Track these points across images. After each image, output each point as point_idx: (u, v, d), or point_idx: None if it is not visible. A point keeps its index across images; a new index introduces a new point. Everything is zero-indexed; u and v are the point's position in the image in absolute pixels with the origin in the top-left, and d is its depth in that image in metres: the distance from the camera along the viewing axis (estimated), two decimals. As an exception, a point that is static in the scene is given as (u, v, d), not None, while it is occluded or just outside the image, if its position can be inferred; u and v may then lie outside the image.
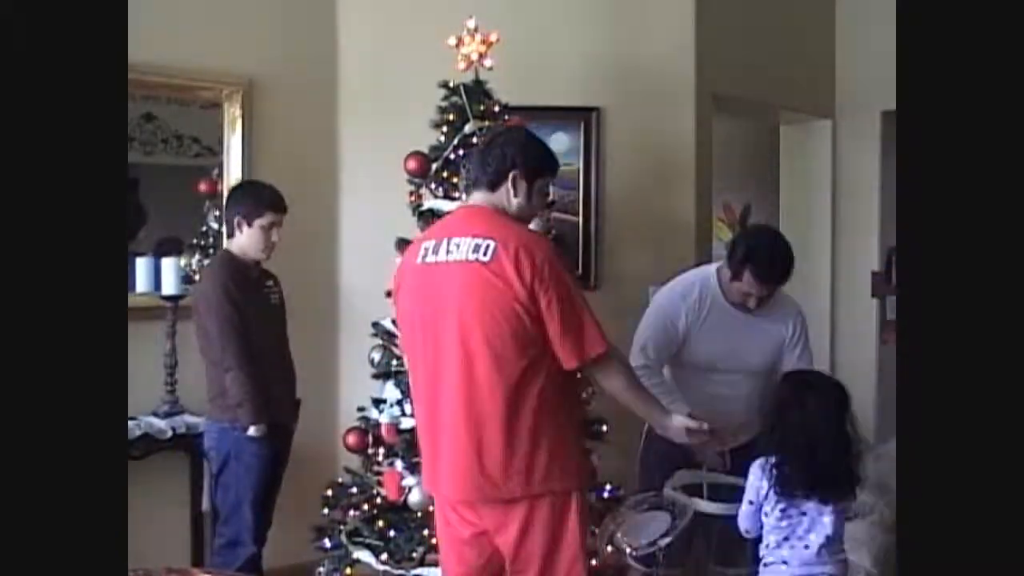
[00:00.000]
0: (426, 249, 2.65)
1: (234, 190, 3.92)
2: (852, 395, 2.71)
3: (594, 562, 3.54)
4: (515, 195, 2.66)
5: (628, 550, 3.00)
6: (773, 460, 2.64)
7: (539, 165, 2.72)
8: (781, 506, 2.64)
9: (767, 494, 2.64)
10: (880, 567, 3.84)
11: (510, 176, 2.65)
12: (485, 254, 2.52)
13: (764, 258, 3.20)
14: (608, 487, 3.72)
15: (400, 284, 2.78)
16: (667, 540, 3.00)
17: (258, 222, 3.60)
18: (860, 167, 5.69)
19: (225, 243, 4.04)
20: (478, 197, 2.70)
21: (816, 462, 2.58)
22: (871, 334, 5.67)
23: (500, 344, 2.51)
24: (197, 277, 4.12)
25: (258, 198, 3.63)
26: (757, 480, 2.67)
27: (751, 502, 2.70)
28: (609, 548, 3.15)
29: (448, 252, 2.58)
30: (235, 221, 3.63)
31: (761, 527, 2.69)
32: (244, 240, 3.63)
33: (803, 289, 5.99)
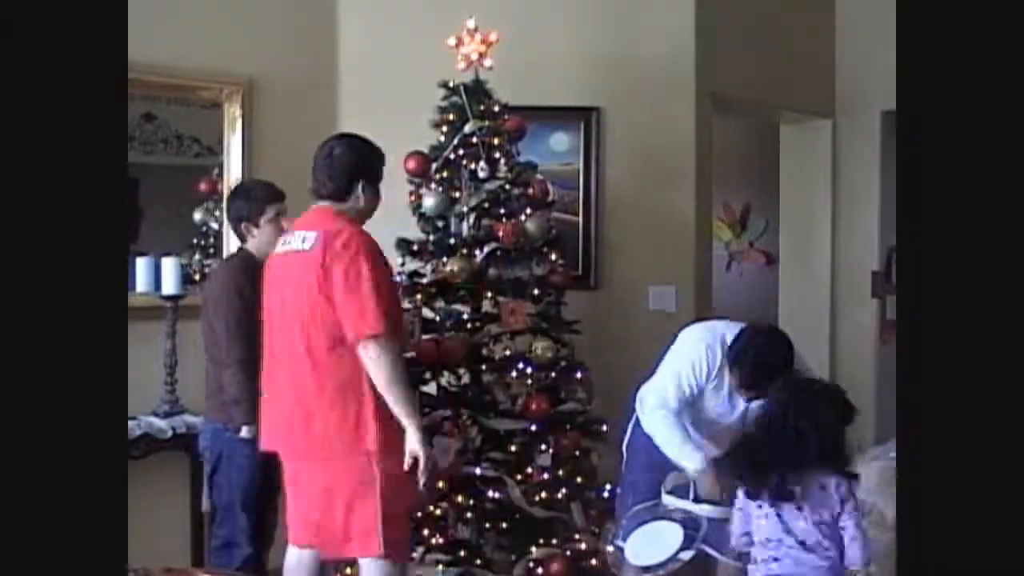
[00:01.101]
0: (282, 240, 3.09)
1: (228, 199, 3.88)
2: (852, 395, 2.70)
3: (594, 561, 3.55)
4: (362, 201, 3.09)
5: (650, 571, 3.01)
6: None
7: (379, 169, 3.16)
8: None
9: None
10: (880, 566, 3.83)
11: (359, 185, 3.07)
12: (305, 243, 2.94)
13: (747, 370, 3.10)
14: (608, 487, 3.72)
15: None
16: (690, 554, 3.01)
17: (263, 219, 3.56)
18: (860, 167, 5.69)
19: (237, 245, 4.01)
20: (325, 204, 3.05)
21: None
22: (871, 334, 5.67)
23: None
24: (197, 277, 4.11)
25: (253, 198, 3.60)
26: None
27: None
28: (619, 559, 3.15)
29: (286, 243, 3.03)
30: (242, 227, 3.59)
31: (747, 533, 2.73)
32: (258, 241, 3.57)
33: (803, 289, 6.03)
